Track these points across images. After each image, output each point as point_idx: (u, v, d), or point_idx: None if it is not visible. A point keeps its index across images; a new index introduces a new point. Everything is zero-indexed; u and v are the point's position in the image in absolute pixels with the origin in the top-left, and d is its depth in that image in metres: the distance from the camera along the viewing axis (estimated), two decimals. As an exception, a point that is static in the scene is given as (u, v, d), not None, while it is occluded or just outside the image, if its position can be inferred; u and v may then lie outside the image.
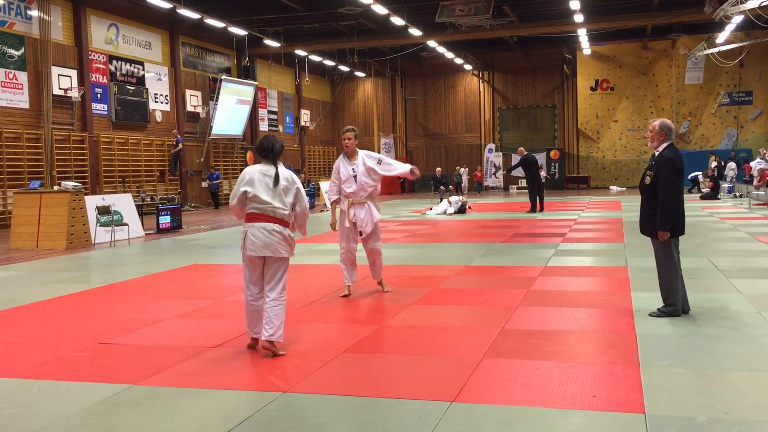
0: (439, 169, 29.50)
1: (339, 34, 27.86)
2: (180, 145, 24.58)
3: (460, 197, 20.82)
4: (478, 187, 33.07)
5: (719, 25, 25.63)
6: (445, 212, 19.43)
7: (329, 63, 32.78)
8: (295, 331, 5.97)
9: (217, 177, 26.29)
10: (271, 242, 5.26)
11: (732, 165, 26.75)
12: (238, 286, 8.46)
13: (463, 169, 32.90)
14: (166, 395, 4.41)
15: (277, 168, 5.35)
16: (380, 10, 21.77)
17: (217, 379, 4.74)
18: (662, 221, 5.91)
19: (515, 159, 21.39)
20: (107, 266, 10.85)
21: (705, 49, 29.15)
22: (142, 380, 4.71)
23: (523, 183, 28.47)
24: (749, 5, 18.78)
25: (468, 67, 35.06)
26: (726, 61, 29.20)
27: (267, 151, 5.38)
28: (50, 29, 19.55)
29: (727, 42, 28.45)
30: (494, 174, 35.23)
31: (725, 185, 25.21)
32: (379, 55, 32.45)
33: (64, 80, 19.95)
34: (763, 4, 18.51)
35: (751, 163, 24.66)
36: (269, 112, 32.12)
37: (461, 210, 19.54)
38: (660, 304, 6.31)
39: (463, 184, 32.08)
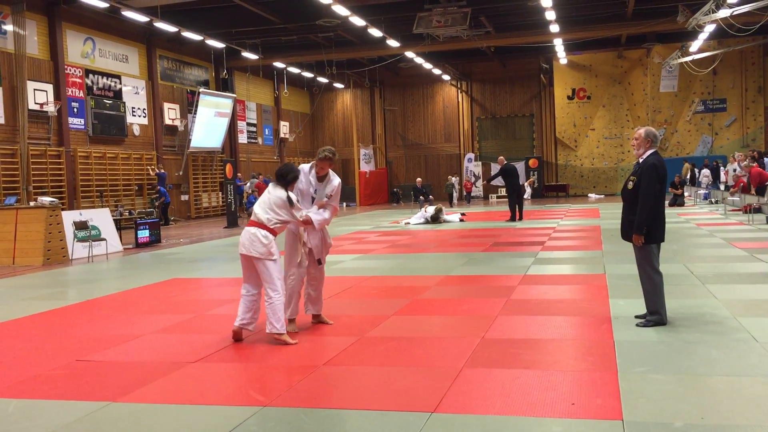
0: (419, 179, 29.54)
1: (317, 46, 27.91)
2: (162, 175, 24.19)
3: (435, 206, 20.79)
4: (467, 197, 32.92)
5: (692, 34, 26.02)
6: (427, 221, 19.51)
7: (308, 75, 32.81)
8: (273, 344, 5.97)
9: (163, 192, 23.70)
10: (248, 242, 6.02)
11: (706, 172, 27.07)
12: (217, 300, 8.43)
13: (454, 179, 31.73)
14: (145, 412, 4.38)
15: (288, 193, 6.12)
16: (358, 22, 21.87)
17: (196, 394, 4.71)
18: (639, 225, 5.92)
19: (495, 168, 21.47)
20: (85, 282, 10.75)
21: (679, 57, 29.56)
22: (120, 397, 4.67)
23: (503, 192, 28.56)
24: (721, 14, 19.08)
25: (446, 77, 35.27)
26: (700, 70, 29.63)
27: (279, 178, 6.20)
28: (25, 44, 19.37)
29: (700, 50, 28.88)
30: (474, 183, 35.35)
31: (701, 191, 25.50)
32: (357, 66, 32.55)
33: (39, 95, 19.78)
34: (735, 12, 18.84)
35: (728, 168, 24.93)
36: (248, 124, 32.04)
37: (435, 219, 19.57)
38: (638, 310, 6.36)
39: (455, 195, 31.14)
